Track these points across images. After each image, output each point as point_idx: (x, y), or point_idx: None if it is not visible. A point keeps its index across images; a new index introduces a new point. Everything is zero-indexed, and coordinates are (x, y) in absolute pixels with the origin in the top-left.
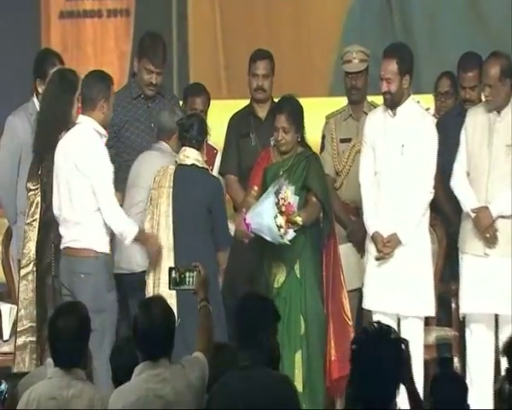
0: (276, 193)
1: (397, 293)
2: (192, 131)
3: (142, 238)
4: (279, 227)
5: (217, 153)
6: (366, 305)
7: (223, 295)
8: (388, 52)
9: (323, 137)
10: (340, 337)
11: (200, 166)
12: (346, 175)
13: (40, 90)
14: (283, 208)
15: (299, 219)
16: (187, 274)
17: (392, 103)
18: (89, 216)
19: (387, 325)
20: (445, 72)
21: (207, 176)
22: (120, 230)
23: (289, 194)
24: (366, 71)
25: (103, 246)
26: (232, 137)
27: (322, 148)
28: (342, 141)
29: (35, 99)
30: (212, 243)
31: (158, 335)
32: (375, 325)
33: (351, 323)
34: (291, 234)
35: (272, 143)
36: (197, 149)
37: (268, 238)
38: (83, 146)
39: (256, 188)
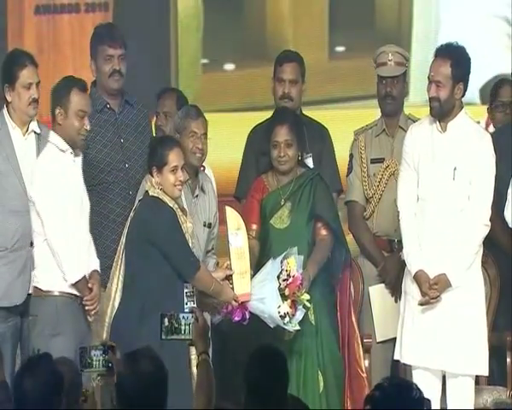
0: (279, 274)
1: (443, 345)
2: None
3: (81, 288)
4: (283, 317)
5: (203, 170)
6: (404, 358)
7: (234, 351)
8: (442, 52)
9: (351, 156)
10: (356, 393)
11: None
12: (377, 202)
13: (9, 99)
14: (287, 292)
15: (306, 298)
16: (182, 322)
17: (440, 113)
18: (37, 248)
19: (407, 381)
20: (504, 79)
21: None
22: (61, 268)
23: (293, 263)
24: (404, 77)
25: (52, 284)
26: (251, 154)
27: (350, 169)
28: (373, 161)
29: (4, 111)
30: None
31: (146, 394)
32: (393, 380)
33: (364, 375)
34: (300, 314)
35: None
36: (151, 174)
37: (270, 324)
38: (35, 166)
39: (255, 226)
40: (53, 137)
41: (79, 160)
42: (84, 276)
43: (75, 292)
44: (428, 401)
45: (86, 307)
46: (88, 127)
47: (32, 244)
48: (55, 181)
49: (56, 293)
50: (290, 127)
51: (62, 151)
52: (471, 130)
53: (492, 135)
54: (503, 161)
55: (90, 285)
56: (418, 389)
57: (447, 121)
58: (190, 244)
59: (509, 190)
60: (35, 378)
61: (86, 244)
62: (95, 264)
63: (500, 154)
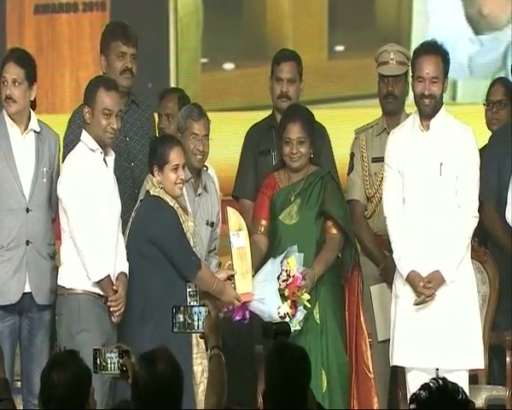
0: (279, 275)
1: (438, 343)
2: None
3: (105, 287)
4: (283, 318)
5: (206, 170)
6: (397, 361)
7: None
8: (431, 47)
9: (352, 155)
10: (362, 393)
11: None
12: (378, 201)
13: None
14: (287, 292)
15: (306, 298)
16: (195, 317)
17: (434, 111)
18: (63, 246)
19: (453, 382)
20: (498, 78)
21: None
22: (85, 266)
23: (293, 263)
24: (405, 76)
25: (75, 282)
26: (249, 153)
27: (351, 168)
28: (375, 160)
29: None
30: None
31: (162, 394)
32: (439, 381)
33: (371, 376)
34: (300, 315)
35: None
36: (152, 173)
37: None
38: (64, 163)
39: (264, 222)
40: (84, 135)
41: (111, 159)
42: (109, 276)
43: (99, 291)
44: (473, 403)
45: (111, 309)
46: (115, 126)
47: (28, 243)
48: (82, 179)
49: (79, 291)
50: (303, 124)
51: (92, 150)
52: (453, 125)
53: (493, 134)
54: (505, 162)
55: (114, 287)
56: (463, 391)
57: (430, 119)
58: (192, 243)
59: (509, 193)
60: (61, 374)
61: (113, 244)
62: (123, 266)
63: (501, 154)
